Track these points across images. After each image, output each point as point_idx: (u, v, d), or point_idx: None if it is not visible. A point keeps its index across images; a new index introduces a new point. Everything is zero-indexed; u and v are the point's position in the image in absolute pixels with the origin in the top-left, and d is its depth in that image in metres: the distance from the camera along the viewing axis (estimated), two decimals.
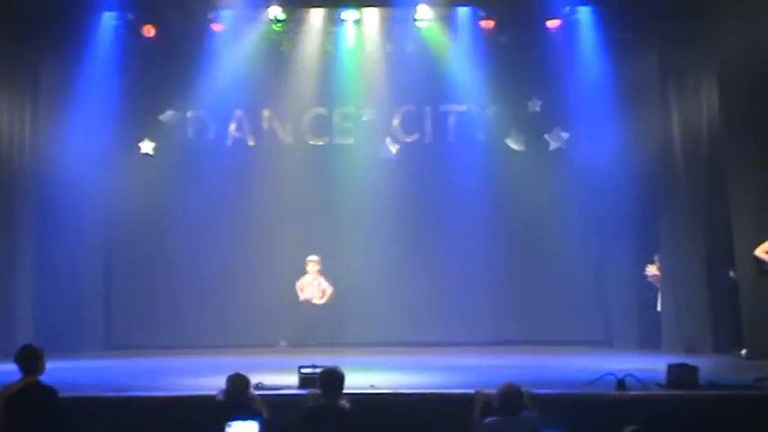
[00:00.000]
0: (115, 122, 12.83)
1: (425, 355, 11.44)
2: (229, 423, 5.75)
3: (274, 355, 10.75)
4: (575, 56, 12.82)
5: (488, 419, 5.99)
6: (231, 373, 6.44)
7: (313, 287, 12.90)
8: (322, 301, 12.91)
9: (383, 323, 12.69)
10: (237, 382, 6.29)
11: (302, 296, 12.90)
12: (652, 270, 12.34)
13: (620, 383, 7.53)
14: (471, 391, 6.75)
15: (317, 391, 6.35)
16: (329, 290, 12.93)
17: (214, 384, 6.83)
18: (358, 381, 8.28)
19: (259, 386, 7.06)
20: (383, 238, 12.99)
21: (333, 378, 6.12)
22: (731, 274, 11.32)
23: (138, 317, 12.82)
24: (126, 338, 12.72)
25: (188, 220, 12.97)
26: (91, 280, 12.93)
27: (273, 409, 6.41)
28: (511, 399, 5.92)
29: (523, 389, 6.13)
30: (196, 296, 12.77)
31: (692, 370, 7.59)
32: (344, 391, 6.44)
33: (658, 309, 12.21)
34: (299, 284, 12.89)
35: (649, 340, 12.27)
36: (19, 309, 11.87)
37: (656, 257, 12.47)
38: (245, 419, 5.76)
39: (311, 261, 12.83)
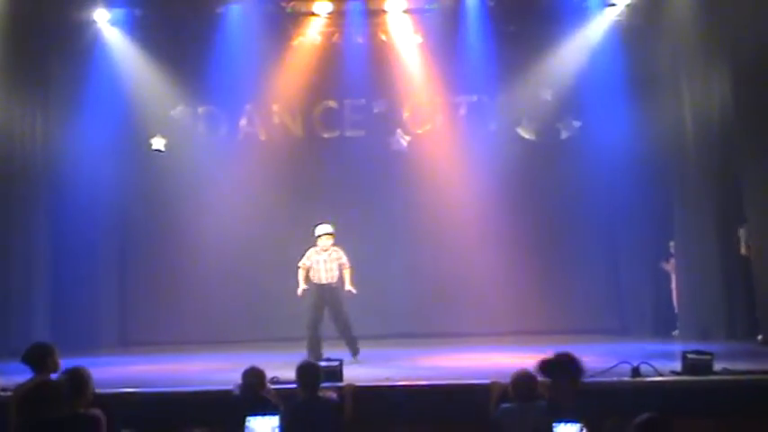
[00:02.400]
0: (126, 120, 12.92)
1: (439, 346, 11.42)
2: (248, 418, 5.77)
3: (289, 350, 10.70)
4: (585, 44, 12.88)
5: (504, 405, 6.04)
6: (246, 367, 6.46)
7: (332, 266, 10.34)
8: (352, 287, 10.34)
9: (396, 315, 12.69)
10: (254, 377, 6.32)
11: (304, 286, 10.31)
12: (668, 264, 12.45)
13: (635, 371, 7.52)
14: (487, 381, 6.75)
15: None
16: (348, 265, 10.38)
17: (231, 379, 6.88)
18: (373, 373, 8.51)
19: (274, 380, 7.04)
20: (396, 229, 13.08)
21: (308, 371, 6.14)
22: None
23: (154, 313, 12.88)
24: (141, 335, 12.81)
25: (201, 215, 13.03)
26: (105, 277, 13.06)
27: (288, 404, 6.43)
28: (525, 385, 5.96)
29: (539, 377, 6.15)
30: (211, 291, 12.83)
31: (707, 356, 7.59)
32: (360, 384, 6.44)
33: (674, 300, 12.32)
34: (306, 264, 10.36)
35: (664, 327, 12.33)
36: (34, 306, 11.99)
37: (671, 244, 12.44)
38: (264, 414, 5.78)
39: (325, 234, 10.40)
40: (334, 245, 10.42)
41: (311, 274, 10.30)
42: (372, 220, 12.92)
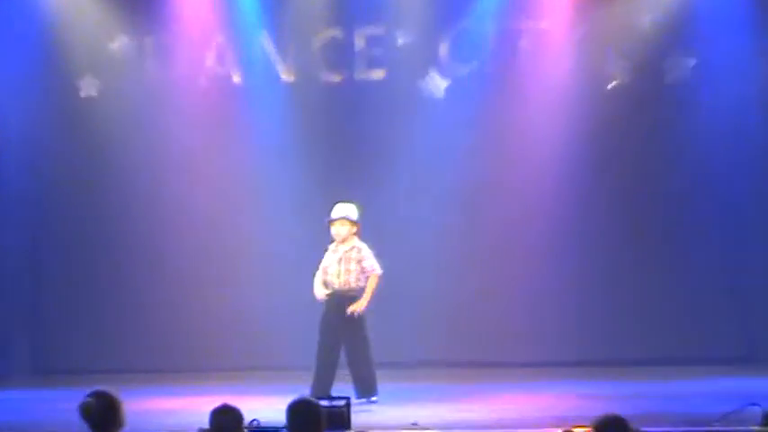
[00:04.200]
0: (46, 56, 13.03)
1: (485, 379, 11.60)
2: None
3: (275, 383, 10.95)
4: None
5: None
6: (217, 405, 6.48)
7: (349, 268, 10.42)
8: (362, 303, 10.38)
9: (426, 336, 12.76)
10: (226, 418, 6.32)
11: (323, 291, 10.42)
12: None
13: None
14: (559, 431, 6.83)
15: None
16: (376, 272, 10.45)
17: (194, 421, 6.97)
18: (396, 415, 8.72)
19: (254, 425, 7.10)
20: (425, 215, 13.03)
21: (303, 413, 6.12)
22: None
23: (80, 332, 13.01)
24: (63, 360, 12.97)
25: (149, 193, 13.16)
26: (14, 283, 13.19)
27: None
28: None
29: (631, 424, 6.15)
30: (161, 302, 13.00)
31: None
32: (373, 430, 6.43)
33: None
34: (322, 268, 10.52)
35: None
36: None
37: None
38: None
39: (338, 218, 10.43)
40: (350, 237, 10.41)
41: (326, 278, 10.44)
42: (393, 200, 12.90)
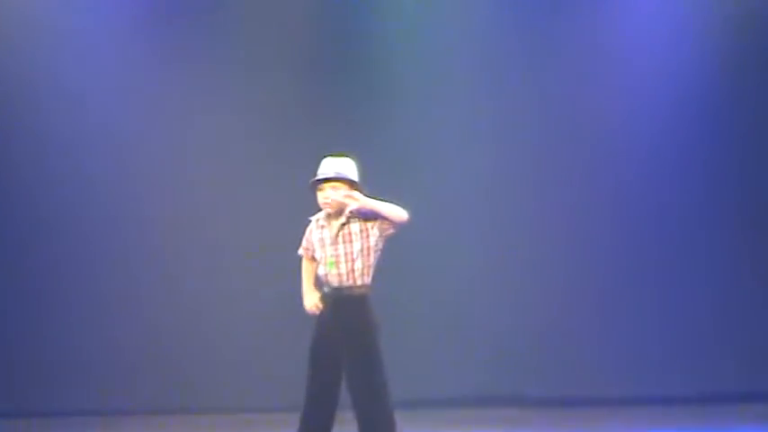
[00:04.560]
0: None
1: (554, 423, 11.36)
2: None
3: (229, 428, 11.07)
4: None
5: None
6: None
7: (349, 251, 9.07)
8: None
9: (462, 363, 12.25)
10: None
11: (314, 296, 9.08)
12: None
13: None
14: None
15: None
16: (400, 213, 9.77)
17: None
18: None
19: None
20: (461, 186, 12.60)
21: None
22: None
23: (9, 363, 12.72)
24: None
25: (56, 159, 12.50)
26: None
27: None
28: None
29: None
30: (111, 319, 12.52)
31: None
32: None
33: None
34: (308, 249, 9.38)
35: None
36: None
37: None
38: None
39: (328, 179, 8.91)
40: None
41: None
42: (414, 159, 12.36)
